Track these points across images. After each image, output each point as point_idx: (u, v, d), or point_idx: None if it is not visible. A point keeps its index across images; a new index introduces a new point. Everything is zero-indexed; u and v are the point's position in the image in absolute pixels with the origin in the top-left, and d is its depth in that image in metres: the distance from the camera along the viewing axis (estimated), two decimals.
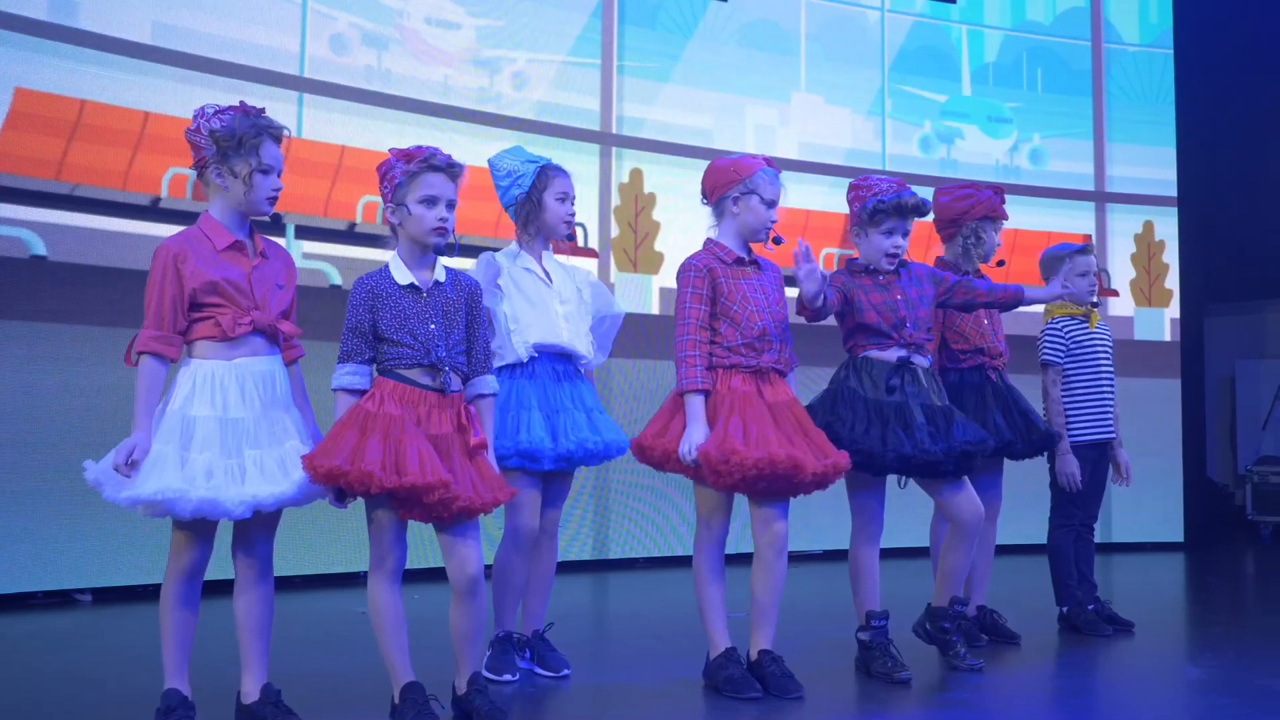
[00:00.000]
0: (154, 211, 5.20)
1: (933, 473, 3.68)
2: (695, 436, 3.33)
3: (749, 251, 3.59)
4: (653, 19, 6.66)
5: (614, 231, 6.46)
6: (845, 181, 7.01)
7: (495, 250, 3.71)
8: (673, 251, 6.55)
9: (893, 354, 3.71)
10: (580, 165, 6.38)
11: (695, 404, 3.38)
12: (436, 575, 3.22)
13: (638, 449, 3.47)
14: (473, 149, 6.02)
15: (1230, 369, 9.57)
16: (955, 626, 3.87)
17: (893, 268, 3.76)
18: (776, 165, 3.61)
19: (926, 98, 7.37)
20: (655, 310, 6.51)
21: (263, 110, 2.99)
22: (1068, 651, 4.23)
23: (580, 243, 6.38)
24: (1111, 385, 4.66)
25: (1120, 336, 7.52)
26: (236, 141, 2.87)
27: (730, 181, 3.53)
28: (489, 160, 3.74)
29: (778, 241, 3.55)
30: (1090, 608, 4.59)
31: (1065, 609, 4.58)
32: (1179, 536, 7.65)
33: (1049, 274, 4.70)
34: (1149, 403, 7.61)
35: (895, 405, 3.65)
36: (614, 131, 6.47)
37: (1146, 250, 7.76)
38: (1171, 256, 7.79)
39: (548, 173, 3.64)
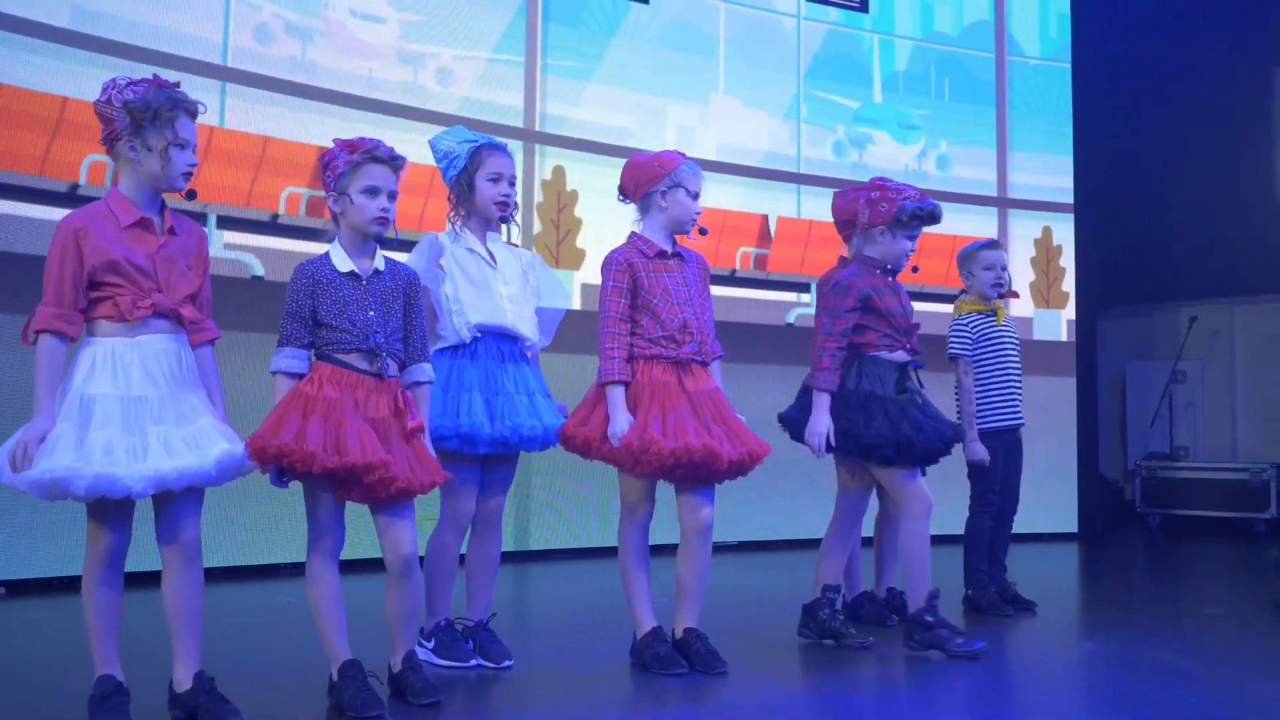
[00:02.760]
0: (71, 198, 5.13)
1: (934, 459, 3.92)
2: (618, 426, 3.43)
3: (673, 244, 3.71)
4: (576, 18, 6.76)
5: (537, 228, 6.54)
6: (763, 183, 7.27)
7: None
8: (594, 247, 6.66)
9: (899, 356, 3.89)
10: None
11: (615, 395, 3.48)
12: (373, 566, 3.28)
13: (562, 437, 3.56)
14: (396, 142, 6.05)
15: (1121, 369, 10.02)
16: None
17: (903, 267, 3.98)
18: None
19: (840, 103, 7.60)
20: (577, 305, 6.59)
21: (178, 84, 2.94)
22: (971, 629, 4.44)
23: (503, 238, 6.43)
24: (1019, 376, 4.92)
25: (1019, 336, 7.86)
26: (152, 114, 2.80)
27: (656, 176, 3.66)
28: (430, 141, 3.70)
29: (703, 232, 3.67)
30: (994, 590, 4.83)
31: (970, 591, 4.81)
32: (1074, 527, 8.00)
33: (964, 270, 4.94)
34: (1046, 400, 7.95)
35: (911, 401, 3.83)
36: (537, 129, 6.55)
37: (1045, 254, 8.11)
38: (1068, 261, 8.16)
39: (482, 153, 3.61)
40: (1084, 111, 8.31)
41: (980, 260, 4.88)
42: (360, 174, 3.11)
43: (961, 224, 7.83)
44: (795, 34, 7.51)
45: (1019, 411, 4.88)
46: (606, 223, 6.70)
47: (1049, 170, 8.11)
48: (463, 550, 3.65)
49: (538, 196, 6.54)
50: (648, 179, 3.67)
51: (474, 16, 6.41)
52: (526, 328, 3.67)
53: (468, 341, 3.55)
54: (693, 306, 3.64)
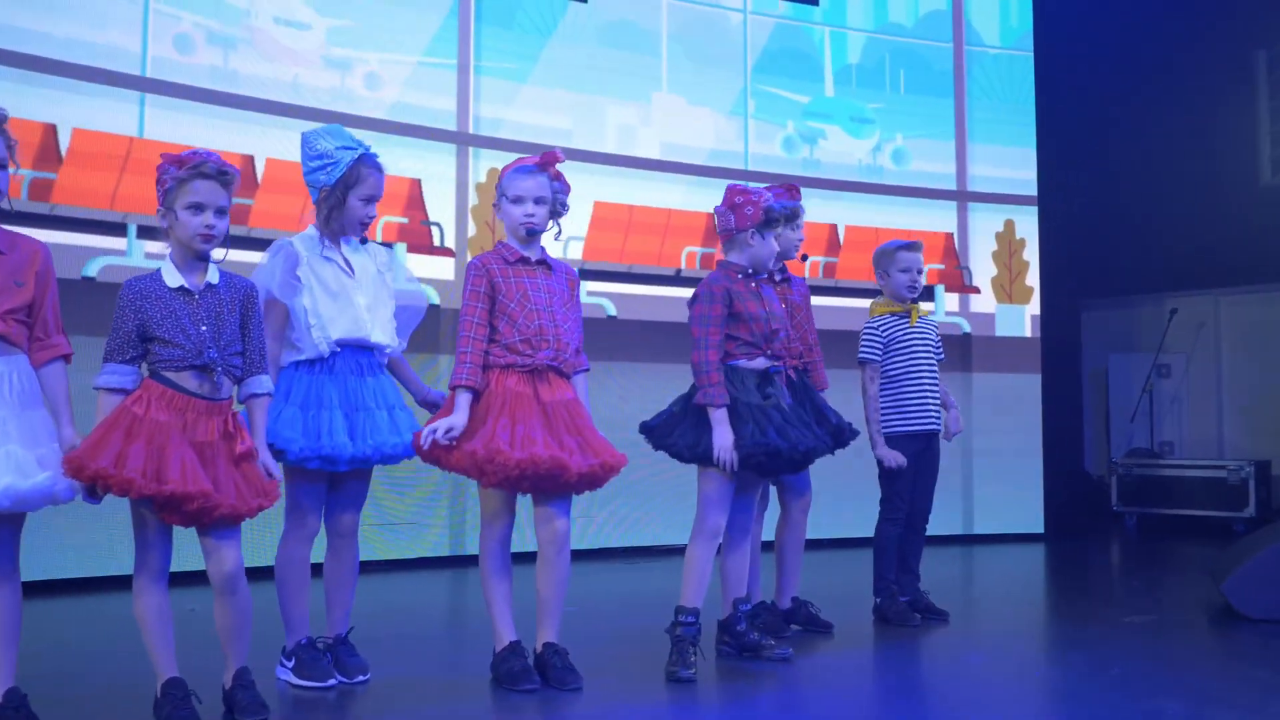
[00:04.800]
0: None
1: (805, 465, 3.89)
2: (449, 425, 3.38)
3: (538, 252, 3.66)
4: (510, 19, 6.72)
5: (471, 231, 6.50)
6: (708, 181, 7.19)
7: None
8: None
9: (759, 363, 3.82)
10: (437, 165, 6.44)
11: (459, 399, 3.45)
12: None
13: (416, 448, 3.51)
14: None
15: (1104, 363, 9.84)
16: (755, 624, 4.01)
17: (775, 268, 3.94)
18: (553, 160, 3.64)
19: (789, 98, 7.51)
20: None
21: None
22: (874, 639, 4.37)
23: (436, 242, 6.42)
24: (934, 379, 4.80)
25: (981, 333, 7.75)
26: None
27: (498, 185, 3.65)
28: (303, 134, 3.59)
29: (531, 233, 3.60)
30: (905, 599, 4.74)
31: (879, 600, 4.72)
32: (1039, 528, 7.86)
33: (880, 269, 4.85)
34: (1010, 397, 7.83)
35: (774, 406, 3.77)
36: (471, 131, 6.52)
37: (1008, 248, 7.96)
38: (1032, 254, 8.00)
39: (361, 169, 3.52)
40: (1048, 101, 8.15)
41: (897, 261, 4.78)
42: (186, 189, 3.08)
43: (919, 219, 7.72)
44: (741, 29, 7.42)
45: (933, 416, 4.76)
46: None
47: (1011, 162, 7.96)
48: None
49: (472, 199, 6.51)
50: (497, 189, 3.68)
51: (403, 20, 6.38)
52: (385, 336, 3.63)
53: (326, 356, 3.51)
54: (552, 315, 3.59)
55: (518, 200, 3.60)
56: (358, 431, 3.46)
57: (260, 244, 5.37)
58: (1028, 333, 7.98)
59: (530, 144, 6.63)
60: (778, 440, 3.65)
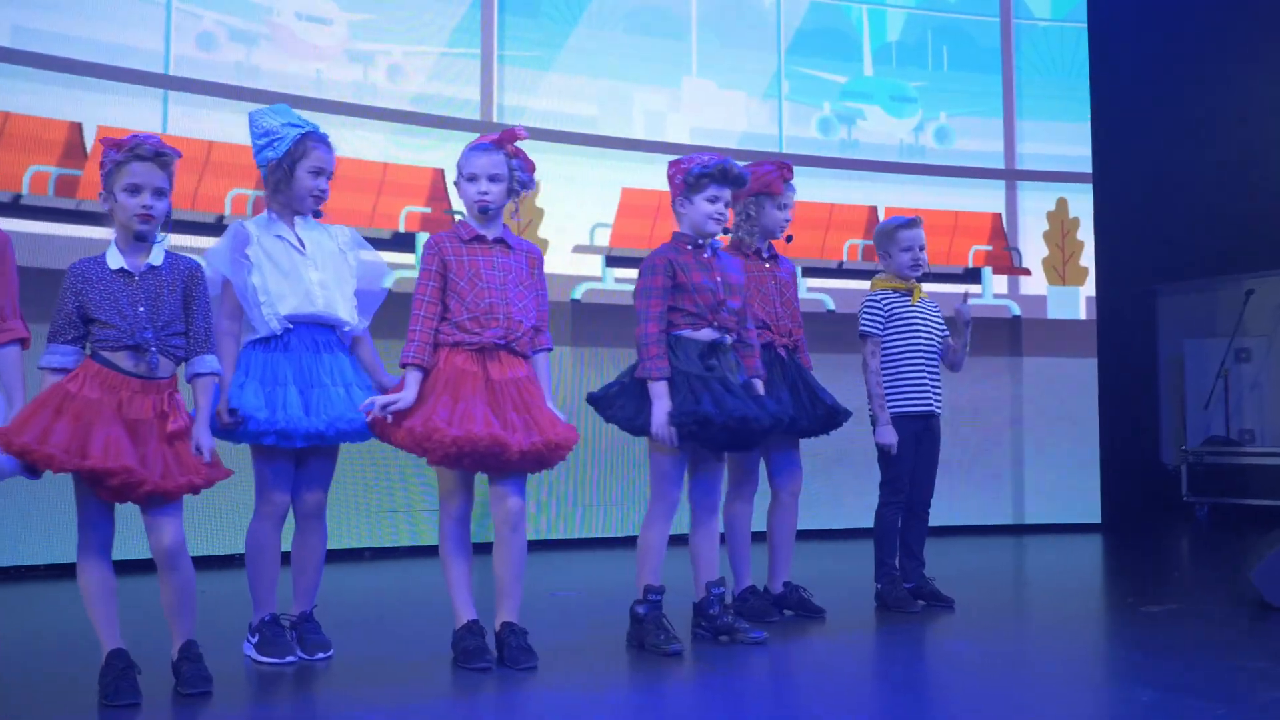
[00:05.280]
0: (15, 208, 5.38)
1: (756, 441, 3.79)
2: (392, 399, 3.40)
3: (496, 231, 3.65)
4: (535, 7, 6.73)
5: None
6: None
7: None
8: (557, 237, 6.63)
9: (706, 334, 3.77)
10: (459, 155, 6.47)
11: (408, 377, 3.46)
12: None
13: (370, 424, 3.53)
14: (348, 141, 6.16)
15: (1180, 348, 9.40)
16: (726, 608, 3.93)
17: (718, 231, 3.84)
18: (514, 137, 3.62)
19: (825, 79, 7.36)
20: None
21: None
22: (877, 625, 4.25)
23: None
24: (934, 359, 4.65)
25: (1032, 315, 7.49)
26: None
27: (458, 164, 3.65)
28: (250, 114, 3.64)
29: (484, 210, 3.59)
30: (910, 585, 4.59)
31: (880, 586, 4.58)
32: (1096, 518, 7.56)
33: (882, 249, 4.72)
34: (1063, 382, 7.54)
35: (717, 378, 3.71)
36: (495, 120, 6.55)
37: (1060, 228, 7.67)
38: (1086, 234, 7.69)
39: (307, 142, 3.56)
40: (1103, 73, 7.82)
41: (898, 240, 4.64)
42: (124, 172, 3.15)
43: (964, 198, 7.50)
44: (775, 9, 7.30)
45: (931, 397, 4.61)
46: (570, 213, 6.68)
47: (1063, 138, 7.67)
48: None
49: None
50: (456, 168, 3.67)
51: (426, 12, 6.44)
52: (342, 312, 3.64)
53: (279, 333, 3.55)
54: (504, 293, 3.57)
55: (472, 178, 3.59)
56: (313, 407, 3.48)
57: None
58: (1082, 315, 7.67)
59: (554, 131, 6.65)
60: (709, 408, 3.57)
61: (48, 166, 5.46)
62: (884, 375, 4.59)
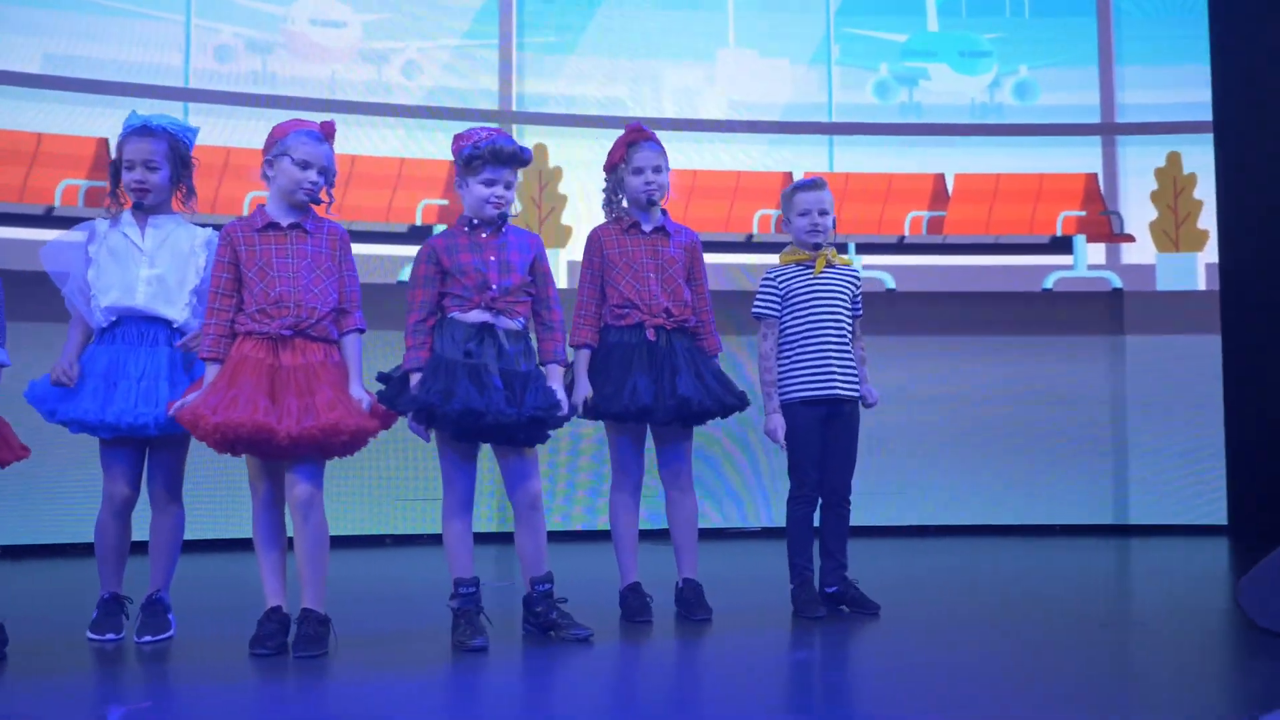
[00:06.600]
0: (48, 219, 5.88)
1: (506, 437, 3.58)
2: (193, 396, 3.43)
3: (297, 215, 3.60)
4: None
5: (516, 207, 6.46)
6: (784, 138, 6.69)
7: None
8: (581, 223, 6.49)
9: (475, 316, 3.61)
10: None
11: (206, 371, 3.47)
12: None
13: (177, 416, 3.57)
14: (362, 139, 6.32)
15: None
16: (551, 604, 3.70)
17: (496, 214, 3.66)
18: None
19: (882, 39, 6.78)
20: (564, 284, 6.46)
21: None
22: (730, 628, 3.86)
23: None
24: (842, 337, 4.16)
25: (1137, 288, 6.62)
26: None
27: (269, 145, 3.59)
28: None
29: (308, 199, 3.54)
30: (831, 590, 4.15)
31: (791, 587, 4.16)
32: (1221, 518, 6.54)
33: (783, 215, 4.32)
34: (1177, 363, 6.58)
35: (471, 366, 3.56)
36: (514, 109, 6.50)
37: (1172, 186, 6.69)
38: (1206, 192, 6.67)
39: (126, 140, 3.69)
40: (1222, 6, 6.73)
41: (796, 204, 4.20)
42: None
43: (1051, 159, 6.72)
44: None
45: (837, 379, 4.11)
46: (593, 198, 6.51)
47: (1174, 84, 6.68)
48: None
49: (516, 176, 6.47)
50: (265, 148, 3.62)
51: (441, 7, 6.48)
52: (171, 310, 3.70)
53: (104, 326, 3.67)
54: (296, 281, 3.52)
55: (305, 165, 3.54)
56: (115, 399, 3.58)
57: None
58: (1201, 285, 6.66)
59: (575, 116, 6.53)
60: (432, 399, 3.38)
61: (77, 180, 5.93)
62: (782, 357, 4.16)
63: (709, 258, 6.58)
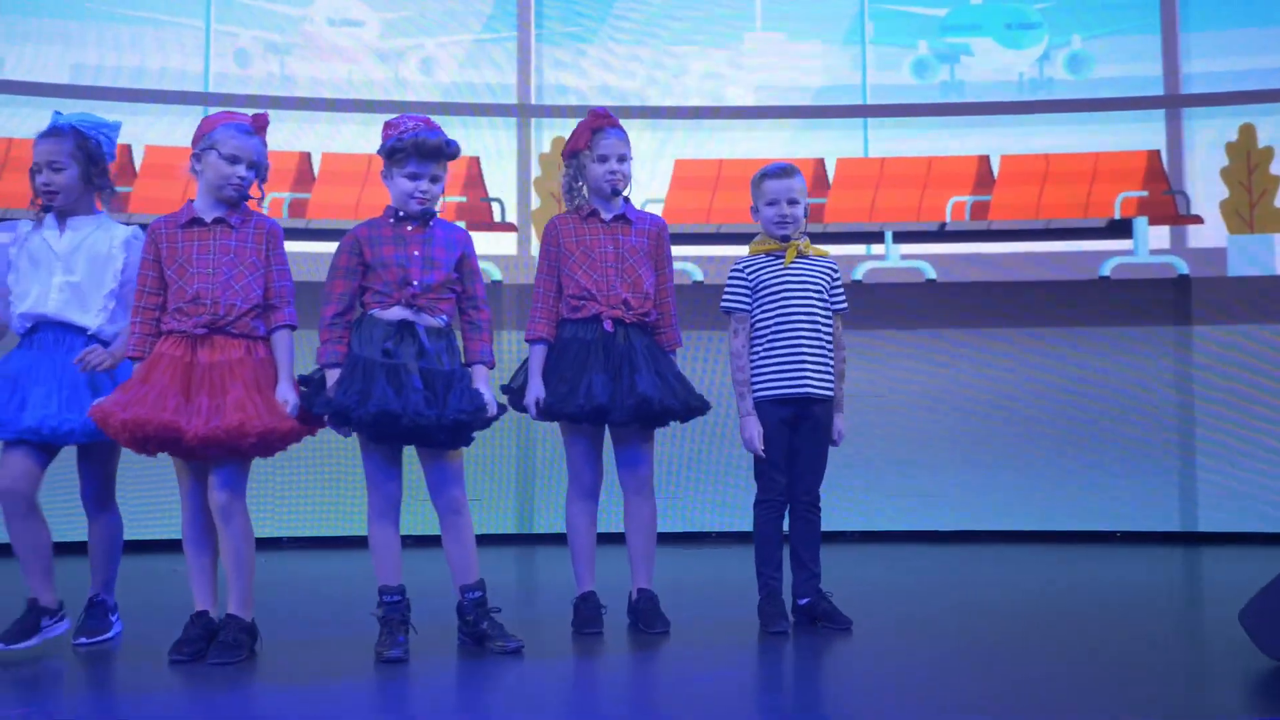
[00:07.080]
0: None
1: (425, 440, 3.43)
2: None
3: (223, 210, 3.52)
4: None
5: (535, 203, 6.35)
6: (811, 123, 6.39)
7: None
8: None
9: (395, 313, 3.48)
10: (497, 140, 6.38)
11: (134, 369, 3.44)
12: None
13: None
14: (374, 137, 6.27)
15: None
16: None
17: (420, 209, 3.52)
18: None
19: (919, 14, 6.40)
20: None
21: None
22: (687, 645, 3.62)
23: (497, 217, 6.35)
24: (814, 332, 3.86)
25: (1206, 273, 6.09)
26: None
27: (196, 138, 3.52)
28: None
29: (236, 194, 3.46)
30: (804, 601, 3.87)
31: (760, 598, 3.89)
32: None
33: (753, 204, 4.04)
34: (1252, 355, 5.99)
35: (390, 366, 3.43)
36: (532, 102, 6.37)
37: (1245, 161, 6.11)
38: None
39: (37, 143, 3.61)
40: None
41: (764, 192, 3.91)
42: None
43: (1109, 136, 6.23)
44: None
45: (810, 376, 3.80)
46: None
47: (1247, 50, 6.11)
48: None
49: (535, 171, 6.35)
50: (194, 140, 3.56)
51: (458, 2, 6.41)
52: (85, 317, 3.67)
53: (20, 332, 3.66)
54: (214, 278, 3.44)
55: (234, 160, 3.46)
56: (31, 404, 3.56)
57: (319, 235, 5.71)
58: (1279, 269, 6.07)
59: (597, 107, 6.34)
60: (349, 400, 3.23)
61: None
62: (752, 353, 3.88)
63: (735, 251, 6.33)
